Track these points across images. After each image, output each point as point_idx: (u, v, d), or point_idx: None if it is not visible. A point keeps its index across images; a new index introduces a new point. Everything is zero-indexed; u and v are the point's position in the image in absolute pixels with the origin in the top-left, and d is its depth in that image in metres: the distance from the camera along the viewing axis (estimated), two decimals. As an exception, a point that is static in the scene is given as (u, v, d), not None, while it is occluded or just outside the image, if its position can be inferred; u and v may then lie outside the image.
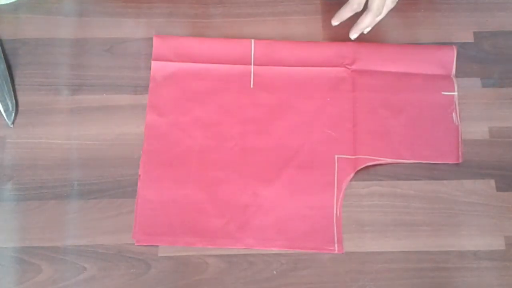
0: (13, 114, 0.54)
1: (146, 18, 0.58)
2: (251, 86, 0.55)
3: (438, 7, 0.58)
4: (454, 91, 0.54)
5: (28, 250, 0.50)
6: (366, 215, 0.51)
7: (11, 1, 0.58)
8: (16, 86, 0.55)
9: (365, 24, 0.53)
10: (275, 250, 0.50)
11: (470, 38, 0.57)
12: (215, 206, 0.51)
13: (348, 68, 0.55)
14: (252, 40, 0.56)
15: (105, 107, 0.54)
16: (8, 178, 0.52)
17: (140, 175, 0.52)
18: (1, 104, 0.54)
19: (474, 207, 0.51)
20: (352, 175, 0.51)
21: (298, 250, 0.49)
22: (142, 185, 0.51)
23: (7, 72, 0.55)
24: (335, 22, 0.55)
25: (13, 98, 0.54)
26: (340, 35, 0.56)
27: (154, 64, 0.55)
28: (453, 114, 0.54)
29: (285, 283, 0.49)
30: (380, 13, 0.52)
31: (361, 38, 0.56)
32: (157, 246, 0.50)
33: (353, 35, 0.55)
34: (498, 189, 0.51)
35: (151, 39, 0.56)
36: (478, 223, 0.50)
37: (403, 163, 0.52)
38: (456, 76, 0.55)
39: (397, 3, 0.52)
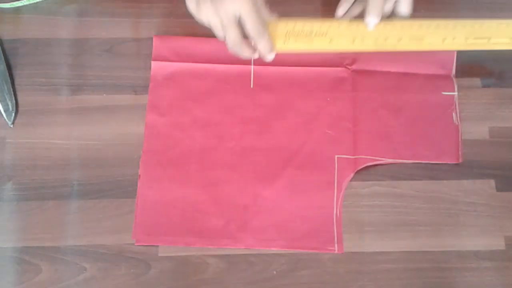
0: (13, 114, 0.54)
1: (146, 18, 0.58)
2: (251, 86, 0.55)
3: (438, 7, 0.58)
4: (454, 91, 0.54)
5: (28, 250, 0.50)
6: (366, 215, 0.51)
7: (13, 6, 0.58)
8: (16, 86, 0.55)
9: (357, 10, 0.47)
10: (275, 250, 0.50)
11: (470, 38, 0.57)
12: (215, 206, 0.51)
13: (348, 68, 0.55)
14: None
15: (105, 107, 0.54)
16: (8, 178, 0.52)
17: (140, 175, 0.52)
18: (1, 104, 0.54)
19: (474, 207, 0.51)
20: (352, 175, 0.51)
21: (298, 250, 0.49)
22: (142, 185, 0.51)
23: (7, 72, 0.55)
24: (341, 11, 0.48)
25: (13, 98, 0.54)
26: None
27: (154, 64, 0.55)
28: (453, 114, 0.54)
29: (285, 283, 0.49)
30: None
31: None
32: (157, 246, 0.50)
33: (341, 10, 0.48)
34: (498, 189, 0.51)
35: (151, 39, 0.56)
36: (478, 223, 0.50)
37: (403, 163, 0.52)
38: (456, 76, 0.55)
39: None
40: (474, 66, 0.56)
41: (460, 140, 0.53)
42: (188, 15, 0.58)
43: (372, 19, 0.45)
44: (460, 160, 0.52)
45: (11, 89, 0.54)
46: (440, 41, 0.46)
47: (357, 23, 0.46)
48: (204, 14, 0.43)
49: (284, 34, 0.46)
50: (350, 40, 0.46)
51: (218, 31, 0.44)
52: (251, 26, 0.42)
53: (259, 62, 0.55)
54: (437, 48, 0.47)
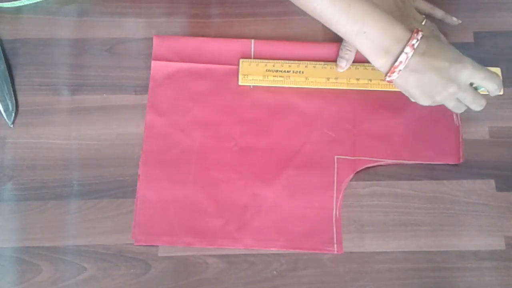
0: (13, 114, 0.54)
1: (146, 18, 0.58)
2: (251, 86, 0.55)
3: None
4: (454, 91, 0.54)
5: (28, 250, 0.50)
6: (366, 215, 0.51)
7: (13, 5, 0.58)
8: (16, 86, 0.55)
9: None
10: (275, 250, 0.50)
11: (470, 38, 0.57)
12: (215, 206, 0.51)
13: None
14: (252, 40, 0.56)
15: (105, 107, 0.54)
16: (8, 178, 0.52)
17: (139, 175, 0.52)
18: (1, 104, 0.54)
19: (474, 207, 0.51)
20: (351, 176, 0.51)
21: (297, 251, 0.49)
22: (141, 185, 0.51)
23: (7, 72, 0.55)
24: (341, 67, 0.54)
25: (13, 98, 0.54)
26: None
27: (154, 64, 0.55)
28: (454, 115, 0.53)
29: (285, 283, 0.49)
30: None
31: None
32: (157, 246, 0.50)
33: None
34: (498, 189, 0.51)
35: (151, 39, 0.56)
36: (478, 223, 0.50)
37: (403, 163, 0.52)
38: (456, 76, 0.55)
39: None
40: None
41: (461, 141, 0.53)
42: (188, 15, 0.58)
43: (342, 64, 0.53)
44: (461, 161, 0.52)
45: (11, 89, 0.55)
46: None
47: (331, 65, 0.54)
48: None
49: (264, 71, 0.53)
50: (325, 79, 0.53)
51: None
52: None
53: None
54: None
